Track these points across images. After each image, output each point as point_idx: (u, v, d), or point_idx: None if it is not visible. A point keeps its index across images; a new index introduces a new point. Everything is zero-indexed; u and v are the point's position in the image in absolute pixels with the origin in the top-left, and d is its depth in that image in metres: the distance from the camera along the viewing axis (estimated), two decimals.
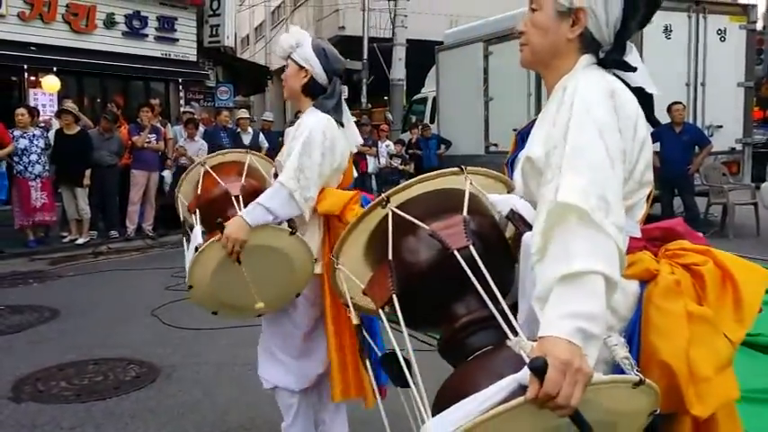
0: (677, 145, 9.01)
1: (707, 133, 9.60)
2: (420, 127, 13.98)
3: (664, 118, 9.06)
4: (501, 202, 1.58)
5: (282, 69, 2.97)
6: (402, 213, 1.56)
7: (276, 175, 2.73)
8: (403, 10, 17.57)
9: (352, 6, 20.98)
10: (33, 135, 8.94)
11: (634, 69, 1.56)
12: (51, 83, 12.75)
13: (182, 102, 15.73)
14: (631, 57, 1.58)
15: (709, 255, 1.58)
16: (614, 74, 1.55)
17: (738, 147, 10.20)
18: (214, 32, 16.34)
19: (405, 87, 18.02)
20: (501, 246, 1.57)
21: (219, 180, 2.87)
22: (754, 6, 10.84)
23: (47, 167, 9.04)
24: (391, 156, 13.27)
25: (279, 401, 2.94)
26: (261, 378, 2.95)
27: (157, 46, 15.12)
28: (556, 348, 1.15)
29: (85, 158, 9.24)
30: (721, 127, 9.94)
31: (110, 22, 14.21)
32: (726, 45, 9.88)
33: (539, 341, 1.19)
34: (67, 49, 13.35)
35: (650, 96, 1.59)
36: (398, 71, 17.34)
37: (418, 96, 16.58)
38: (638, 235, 1.57)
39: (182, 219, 3.01)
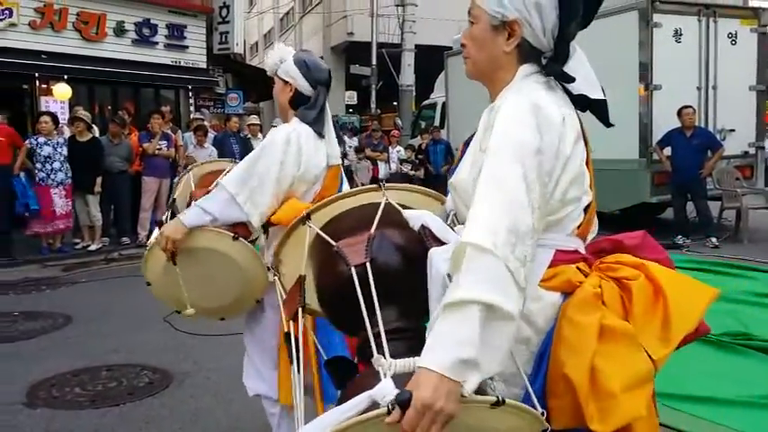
0: (688, 149, 8.96)
1: (719, 137, 9.54)
2: (431, 130, 13.91)
3: (675, 122, 9.03)
4: (413, 218, 1.59)
5: None
6: (317, 229, 1.66)
7: None
8: (412, 16, 17.62)
9: (361, 12, 21.05)
10: (57, 143, 8.99)
11: (572, 80, 1.52)
12: (62, 91, 12.84)
13: (192, 108, 15.80)
14: (575, 62, 1.54)
15: (643, 269, 1.52)
16: (558, 82, 1.54)
17: (752, 150, 10.13)
18: (223, 39, 16.41)
19: (414, 93, 18.06)
20: (423, 257, 1.54)
21: (195, 187, 2.99)
22: (765, 10, 10.77)
23: (69, 175, 9.08)
24: (402, 161, 13.27)
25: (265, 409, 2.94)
26: (245, 385, 2.96)
27: (167, 53, 15.20)
28: (423, 386, 1.19)
29: (97, 165, 9.29)
30: (733, 131, 9.87)
31: (120, 30, 14.30)
32: (737, 49, 9.82)
33: (417, 370, 1.23)
34: (78, 57, 13.43)
35: (599, 101, 1.56)
36: (407, 77, 17.37)
37: (428, 102, 16.59)
38: (569, 248, 1.53)
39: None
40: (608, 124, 1.59)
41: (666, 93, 9.26)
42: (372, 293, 1.43)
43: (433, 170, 12.78)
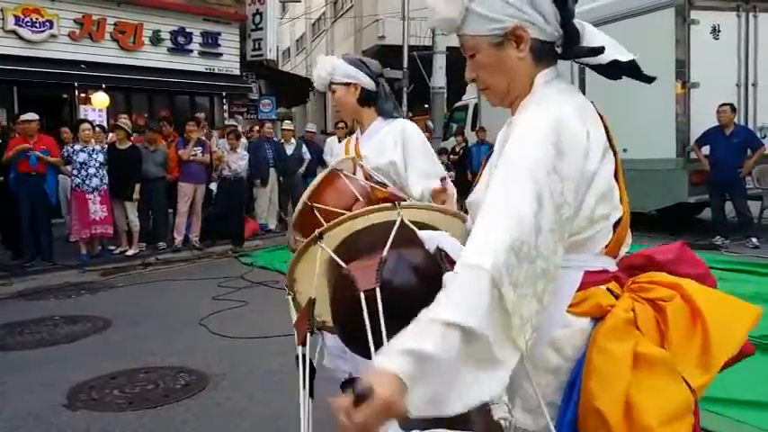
0: (727, 148, 8.76)
1: (759, 135, 9.31)
2: (477, 130, 13.75)
3: (714, 121, 8.85)
4: (429, 240, 1.54)
5: None
6: (328, 250, 1.59)
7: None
8: None
9: (392, 16, 21.07)
10: (93, 149, 9.18)
11: (602, 50, 1.43)
12: (101, 99, 13.13)
13: (226, 115, 16.00)
14: (589, 34, 1.46)
15: (678, 289, 1.41)
16: (582, 63, 1.47)
17: None
18: (257, 46, 16.61)
19: (445, 95, 17.98)
20: (438, 278, 1.48)
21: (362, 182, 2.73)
22: None
23: (104, 181, 9.26)
24: None
25: None
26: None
27: (202, 61, 15.45)
28: (380, 384, 1.09)
29: (136, 173, 9.46)
30: None
31: (156, 39, 14.58)
32: None
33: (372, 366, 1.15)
34: (116, 66, 13.75)
35: (632, 63, 1.45)
36: (439, 79, 17.30)
37: (459, 104, 16.53)
38: (598, 268, 1.43)
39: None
40: (650, 80, 1.49)
41: (704, 91, 9.08)
42: (380, 320, 1.36)
43: (476, 170, 12.68)
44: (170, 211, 10.29)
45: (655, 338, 1.37)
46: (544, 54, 1.46)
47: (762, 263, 7.03)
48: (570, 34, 1.44)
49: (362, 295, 1.41)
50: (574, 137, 1.33)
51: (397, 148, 2.68)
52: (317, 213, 2.71)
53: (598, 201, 1.38)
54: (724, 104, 8.83)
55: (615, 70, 1.46)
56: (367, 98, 2.81)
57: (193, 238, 10.27)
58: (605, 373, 1.31)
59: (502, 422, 1.24)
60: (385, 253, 1.49)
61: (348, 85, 2.80)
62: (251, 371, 4.69)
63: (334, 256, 1.57)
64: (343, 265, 1.52)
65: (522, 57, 1.44)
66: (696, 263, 1.55)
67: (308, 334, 1.58)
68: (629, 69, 1.46)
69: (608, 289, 1.43)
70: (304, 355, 1.65)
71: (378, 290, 1.41)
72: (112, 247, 9.77)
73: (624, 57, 1.44)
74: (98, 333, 5.92)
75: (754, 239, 8.69)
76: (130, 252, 9.64)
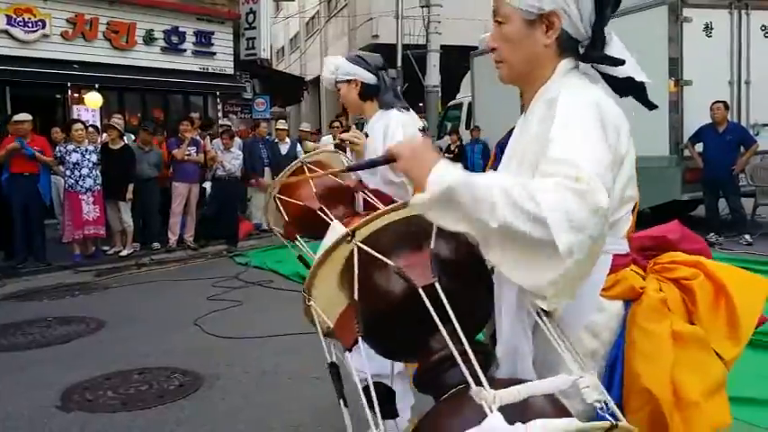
0: (720, 145, 8.79)
1: (752, 132, 9.34)
2: (471, 129, 13.73)
3: (707, 118, 8.87)
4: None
5: (317, 79, 3.07)
6: (368, 249, 1.51)
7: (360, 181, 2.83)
8: (437, 16, 17.58)
9: (386, 15, 21.07)
10: (86, 150, 9.14)
11: (622, 62, 1.44)
12: (94, 99, 13.08)
13: (219, 114, 15.97)
14: (613, 46, 1.46)
15: (701, 267, 1.46)
16: (597, 69, 1.48)
17: None
18: (250, 45, 16.57)
19: (439, 93, 18.01)
20: (478, 270, 1.47)
21: (335, 178, 2.80)
22: None
23: (98, 181, 9.22)
24: None
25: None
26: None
27: (195, 60, 15.40)
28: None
29: (129, 173, 9.43)
30: (767, 126, 9.66)
31: (149, 39, 14.52)
32: None
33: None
34: (109, 65, 13.70)
35: (641, 84, 1.48)
36: (433, 78, 17.33)
37: (453, 102, 16.54)
38: (624, 251, 1.47)
39: (270, 225, 2.94)
40: (651, 106, 1.51)
41: (697, 88, 9.10)
42: (449, 312, 1.31)
43: (470, 170, 12.65)
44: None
45: (684, 316, 1.42)
46: (568, 49, 1.47)
47: (755, 260, 7.06)
48: (596, 39, 1.45)
49: (422, 292, 1.36)
50: (613, 117, 1.36)
51: (385, 139, 2.76)
52: (278, 204, 2.81)
53: (627, 182, 1.42)
54: (717, 102, 8.86)
55: (625, 86, 1.48)
56: (367, 91, 2.94)
57: (188, 238, 10.25)
58: (649, 352, 1.35)
59: (597, 405, 1.17)
60: (432, 246, 1.45)
61: (349, 81, 2.95)
62: (246, 371, 4.68)
63: (376, 254, 1.48)
64: (389, 262, 1.45)
65: (548, 44, 1.45)
66: (696, 239, 1.63)
67: (360, 338, 1.46)
68: (637, 91, 1.49)
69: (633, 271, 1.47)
70: (335, 365, 1.56)
71: (437, 284, 1.36)
72: (106, 248, 9.74)
73: (639, 77, 1.46)
74: (92, 334, 5.90)
75: (747, 236, 8.72)
76: (124, 252, 9.61)
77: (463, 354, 1.27)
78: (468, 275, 1.45)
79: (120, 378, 4.64)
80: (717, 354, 1.37)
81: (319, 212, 2.67)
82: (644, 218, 9.38)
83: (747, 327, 1.40)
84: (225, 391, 4.34)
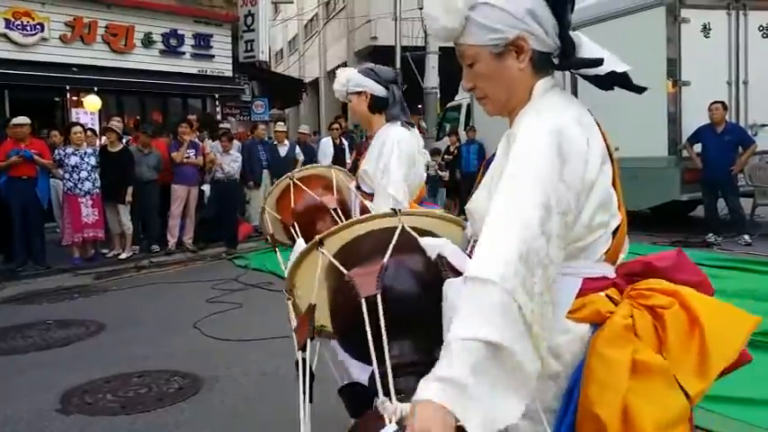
0: (719, 145, 8.80)
1: (750, 132, 9.35)
2: (467, 129, 13.72)
3: (706, 119, 8.88)
4: (430, 247, 1.53)
5: (316, 81, 3.08)
6: (329, 256, 1.59)
7: (358, 188, 2.90)
8: None
9: (385, 17, 21.08)
10: (85, 153, 9.14)
11: (601, 61, 1.43)
12: (93, 102, 13.08)
13: (218, 117, 15.97)
14: (585, 47, 1.46)
15: (678, 296, 1.42)
16: (579, 74, 1.48)
17: None
18: (249, 48, 16.57)
19: (438, 95, 18.00)
20: (439, 286, 1.48)
21: (312, 193, 2.95)
22: None
23: (97, 184, 9.21)
24: (427, 167, 13.22)
25: None
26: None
27: (194, 63, 15.41)
28: (417, 417, 1.13)
29: (127, 175, 9.43)
30: (766, 126, 9.67)
31: (147, 42, 14.53)
32: None
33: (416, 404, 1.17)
34: (107, 68, 13.71)
35: (624, 74, 1.47)
36: (432, 79, 17.32)
37: (452, 103, 16.52)
38: (597, 274, 1.44)
39: (269, 232, 3.04)
40: (640, 90, 1.50)
41: (696, 89, 9.12)
42: (381, 328, 1.35)
43: (465, 170, 12.74)
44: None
45: (653, 345, 1.37)
46: (542, 64, 1.47)
47: (754, 260, 7.06)
48: (566, 45, 1.45)
49: (363, 301, 1.40)
50: (575, 144, 1.34)
51: (380, 157, 2.80)
52: (266, 217, 3.03)
53: (597, 209, 1.39)
54: (716, 102, 8.87)
55: (609, 81, 1.47)
56: (376, 105, 2.94)
57: (187, 240, 10.24)
58: (604, 379, 1.32)
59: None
60: (386, 259, 1.48)
61: (360, 93, 2.96)
62: (245, 373, 4.68)
63: (334, 261, 1.56)
64: (344, 271, 1.51)
65: (522, 67, 1.44)
66: (694, 270, 1.56)
67: (309, 340, 1.57)
68: (622, 80, 1.47)
69: (607, 296, 1.44)
70: (304, 360, 1.63)
71: (379, 296, 1.40)
72: (105, 251, 9.73)
73: (620, 68, 1.45)
74: (91, 337, 5.89)
75: (746, 237, 8.72)
76: (123, 255, 9.60)
77: (383, 375, 1.32)
78: (428, 291, 1.45)
79: (119, 381, 4.64)
80: (681, 387, 1.33)
81: (291, 228, 2.82)
82: (644, 218, 9.41)
83: (716, 363, 1.35)
84: (224, 393, 4.34)
